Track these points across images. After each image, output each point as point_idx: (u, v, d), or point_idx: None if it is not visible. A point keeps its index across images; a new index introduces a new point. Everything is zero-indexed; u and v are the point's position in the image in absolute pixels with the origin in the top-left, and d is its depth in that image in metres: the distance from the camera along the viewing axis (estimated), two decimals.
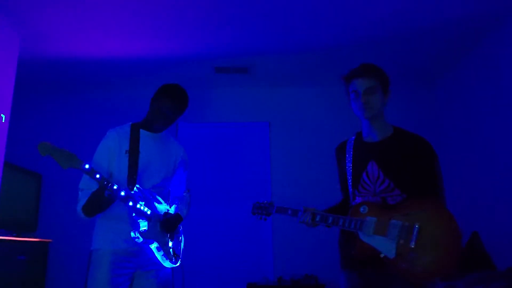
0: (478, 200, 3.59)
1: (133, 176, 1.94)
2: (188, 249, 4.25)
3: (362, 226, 1.72)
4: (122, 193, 1.80)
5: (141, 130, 2.08)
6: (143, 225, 1.91)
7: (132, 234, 1.88)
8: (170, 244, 2.04)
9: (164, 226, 2.00)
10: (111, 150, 1.98)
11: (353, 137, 1.99)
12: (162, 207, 2.06)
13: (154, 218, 1.96)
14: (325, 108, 4.52)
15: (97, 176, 1.75)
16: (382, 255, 1.66)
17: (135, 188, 1.91)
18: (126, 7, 3.06)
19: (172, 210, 2.15)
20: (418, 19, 3.26)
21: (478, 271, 2.85)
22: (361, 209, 1.77)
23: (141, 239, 1.88)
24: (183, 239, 2.22)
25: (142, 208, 1.90)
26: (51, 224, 4.14)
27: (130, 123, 2.11)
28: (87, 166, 1.73)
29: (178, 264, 2.08)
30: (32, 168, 4.11)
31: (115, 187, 1.77)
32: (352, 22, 3.31)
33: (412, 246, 1.59)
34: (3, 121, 3.16)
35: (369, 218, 1.72)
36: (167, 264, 2.00)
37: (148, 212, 1.93)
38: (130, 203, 1.85)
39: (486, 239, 3.37)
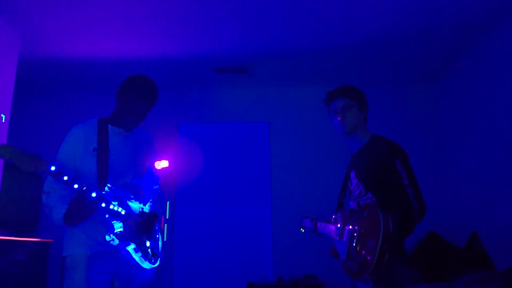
0: (478, 200, 3.59)
1: (103, 175, 1.81)
2: (188, 249, 4.27)
3: (334, 232, 1.96)
4: (93, 194, 1.69)
5: (109, 125, 1.94)
6: (118, 226, 1.79)
7: (107, 237, 1.75)
8: (148, 244, 1.92)
9: (141, 227, 1.88)
10: (76, 148, 1.85)
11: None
12: (136, 205, 1.93)
13: (129, 218, 1.84)
14: (325, 109, 4.52)
15: (65, 178, 1.64)
16: (339, 257, 1.90)
17: (106, 188, 1.79)
18: (126, 8, 3.06)
19: (146, 208, 2.02)
20: (417, 19, 3.27)
21: (478, 271, 2.86)
22: (337, 216, 2.01)
23: (116, 242, 1.76)
24: (160, 237, 2.08)
25: (115, 208, 1.78)
26: (51, 224, 4.13)
27: (97, 118, 1.97)
28: (53, 168, 1.62)
29: (157, 264, 1.96)
30: None
31: (84, 188, 1.68)
32: (351, 23, 3.31)
33: (352, 248, 1.78)
34: (3, 121, 3.17)
35: (338, 225, 1.94)
36: (146, 265, 1.89)
37: (123, 213, 1.81)
38: (103, 204, 1.73)
39: (486, 239, 3.38)
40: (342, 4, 3.05)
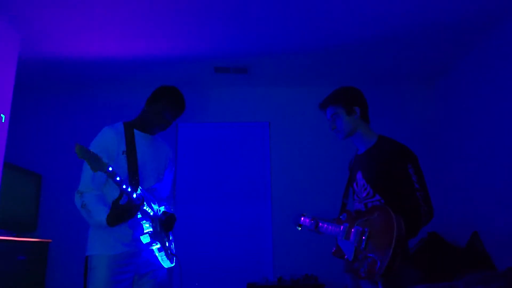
0: (478, 200, 3.58)
1: (134, 177, 1.90)
2: (188, 249, 4.27)
3: (339, 232, 1.97)
4: (134, 195, 1.78)
5: (135, 130, 2.04)
6: (147, 226, 1.89)
7: (142, 238, 1.86)
8: (167, 244, 2.03)
9: (166, 226, 2.00)
10: (109, 150, 1.92)
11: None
12: (156, 207, 2.03)
13: (155, 218, 1.95)
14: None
15: (118, 178, 1.70)
16: (345, 257, 1.90)
17: (138, 190, 1.88)
18: (126, 7, 3.05)
19: (162, 210, 2.11)
20: (417, 19, 3.26)
21: (478, 271, 2.85)
22: (341, 216, 2.01)
23: (148, 240, 1.86)
24: (173, 238, 2.19)
25: (148, 210, 1.89)
26: (51, 224, 4.14)
27: (122, 122, 2.06)
28: (110, 168, 1.68)
29: (174, 263, 2.07)
30: (32, 168, 4.11)
31: (129, 189, 1.75)
32: (352, 22, 3.31)
33: (361, 249, 1.78)
34: (3, 121, 3.16)
35: (343, 225, 1.95)
36: (167, 264, 1.99)
37: (151, 213, 1.92)
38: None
39: (486, 239, 3.37)
40: (343, 4, 3.05)
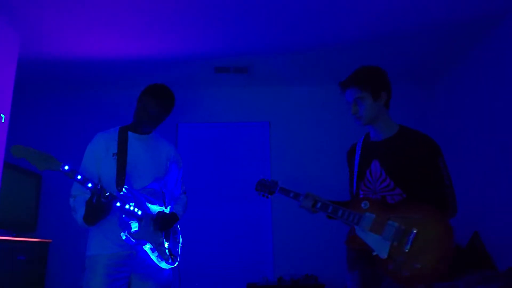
0: (479, 200, 3.58)
1: (121, 177, 1.91)
2: (188, 249, 4.24)
3: (359, 220, 1.74)
4: (107, 194, 1.76)
5: (129, 132, 2.06)
6: (134, 226, 1.88)
7: (123, 236, 1.84)
8: (166, 244, 2.00)
9: (157, 224, 1.95)
10: (97, 153, 1.96)
11: (362, 137, 2.02)
12: (156, 208, 2.01)
13: (146, 218, 1.92)
14: (325, 108, 4.52)
15: (79, 177, 1.71)
16: (374, 253, 1.67)
17: (123, 189, 1.87)
18: (126, 7, 3.05)
19: (167, 211, 2.10)
20: (417, 19, 3.26)
21: (479, 271, 2.85)
22: (362, 204, 1.77)
23: (132, 240, 1.85)
24: (181, 240, 2.18)
25: (131, 208, 1.85)
26: (51, 224, 4.13)
27: (119, 126, 2.09)
28: (66, 167, 1.68)
29: (175, 265, 2.04)
30: (32, 168, 4.09)
31: (98, 186, 1.75)
32: (352, 22, 3.31)
33: (406, 250, 1.60)
34: (3, 121, 3.16)
35: (368, 214, 1.73)
36: (163, 265, 1.96)
37: (139, 213, 1.89)
38: (118, 204, 1.81)
39: (487, 239, 3.37)
40: (342, 4, 3.05)
